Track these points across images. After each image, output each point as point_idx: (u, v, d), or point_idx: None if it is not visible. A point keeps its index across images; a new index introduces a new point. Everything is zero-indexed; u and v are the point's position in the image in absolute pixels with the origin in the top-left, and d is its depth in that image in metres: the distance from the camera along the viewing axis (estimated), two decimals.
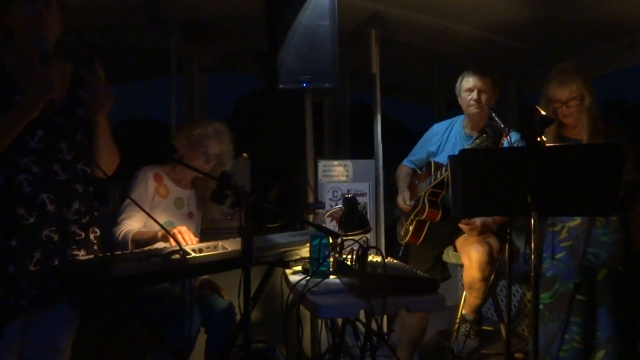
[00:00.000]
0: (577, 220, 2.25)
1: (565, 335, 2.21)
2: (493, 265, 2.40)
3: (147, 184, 2.18)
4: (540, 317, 2.29)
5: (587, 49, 3.74)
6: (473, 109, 2.61)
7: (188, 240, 1.93)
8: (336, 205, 3.24)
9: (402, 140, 3.09)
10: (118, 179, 2.07)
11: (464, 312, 2.58)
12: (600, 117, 2.30)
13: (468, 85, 2.63)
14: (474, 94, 2.59)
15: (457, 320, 2.61)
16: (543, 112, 1.81)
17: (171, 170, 2.30)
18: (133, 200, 2.02)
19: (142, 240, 2.07)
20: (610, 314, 2.14)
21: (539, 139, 1.74)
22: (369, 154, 3.49)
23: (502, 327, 2.73)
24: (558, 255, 2.28)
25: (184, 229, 1.98)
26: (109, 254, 1.73)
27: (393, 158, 3.13)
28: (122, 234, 2.09)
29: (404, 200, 2.79)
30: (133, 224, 2.12)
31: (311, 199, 2.83)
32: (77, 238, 1.68)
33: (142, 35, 4.00)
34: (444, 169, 2.53)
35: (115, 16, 3.62)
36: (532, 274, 1.83)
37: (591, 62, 3.81)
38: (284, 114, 3.69)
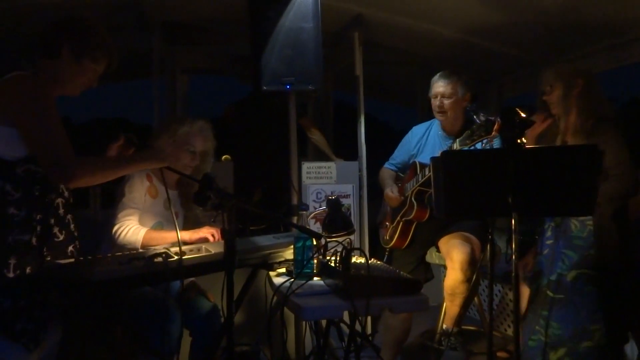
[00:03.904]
0: (559, 221, 2.30)
1: (535, 327, 2.28)
2: (475, 266, 2.42)
3: (142, 183, 2.18)
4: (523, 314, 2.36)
5: (566, 52, 3.82)
6: (438, 116, 2.69)
7: (218, 238, 2.05)
8: (320, 207, 3.24)
9: (387, 140, 3.10)
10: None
11: (445, 326, 2.55)
12: (595, 115, 2.31)
13: (432, 91, 2.69)
14: (437, 101, 2.65)
15: (438, 336, 2.60)
16: (523, 114, 1.84)
17: (158, 171, 2.29)
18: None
19: (158, 240, 2.07)
20: (575, 314, 2.18)
21: (518, 140, 1.78)
22: (354, 154, 3.50)
23: (484, 326, 2.77)
24: (544, 252, 2.35)
25: (209, 230, 2.10)
26: (90, 257, 1.71)
27: (377, 158, 3.14)
28: (130, 230, 2.05)
29: (392, 191, 2.76)
30: (136, 221, 2.11)
31: (295, 201, 2.83)
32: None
33: (124, 36, 3.96)
34: (427, 169, 2.55)
35: (96, 16, 3.57)
36: (513, 274, 1.87)
37: (572, 65, 3.89)
38: (269, 116, 3.68)
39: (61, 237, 1.65)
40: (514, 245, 1.81)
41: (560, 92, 2.35)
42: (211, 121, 2.41)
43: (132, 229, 2.06)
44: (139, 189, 2.15)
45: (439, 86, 2.65)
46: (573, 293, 2.21)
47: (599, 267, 2.19)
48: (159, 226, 2.22)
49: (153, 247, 1.98)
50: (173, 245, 2.08)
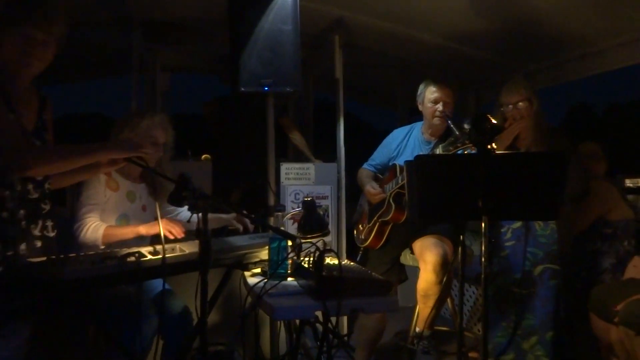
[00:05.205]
0: (519, 223, 2.41)
1: (502, 323, 2.42)
2: (447, 268, 2.47)
3: (99, 178, 2.17)
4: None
5: (542, 60, 3.91)
6: (438, 120, 2.70)
7: (176, 234, 1.99)
8: (298, 207, 3.25)
9: (369, 140, 3.12)
10: None
11: (418, 329, 2.59)
12: (548, 127, 2.51)
13: (433, 96, 2.70)
14: (440, 106, 2.67)
15: (410, 338, 2.64)
16: (494, 121, 1.89)
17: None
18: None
19: (117, 236, 2.07)
20: (543, 305, 2.36)
21: (489, 146, 1.82)
22: (335, 155, 3.52)
23: (456, 327, 2.82)
24: (502, 253, 2.46)
25: (166, 224, 2.02)
26: (62, 256, 1.70)
27: (358, 158, 3.15)
28: (89, 228, 2.05)
29: (373, 187, 2.78)
30: (95, 218, 2.10)
31: (272, 202, 2.84)
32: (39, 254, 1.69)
33: (104, 33, 3.93)
34: None
35: (76, 13, 3.54)
36: (483, 276, 1.92)
37: (545, 73, 3.99)
38: (248, 115, 3.69)
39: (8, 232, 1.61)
40: (483, 248, 1.86)
41: (531, 108, 2.57)
42: (191, 119, 2.41)
43: (91, 227, 2.06)
44: (96, 185, 2.15)
45: (440, 91, 2.69)
46: (539, 286, 2.38)
47: (561, 261, 2.39)
48: (123, 219, 2.22)
49: (115, 245, 2.00)
50: (141, 241, 2.08)
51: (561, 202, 1.92)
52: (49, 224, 1.75)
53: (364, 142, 3.32)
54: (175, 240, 2.02)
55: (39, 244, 1.69)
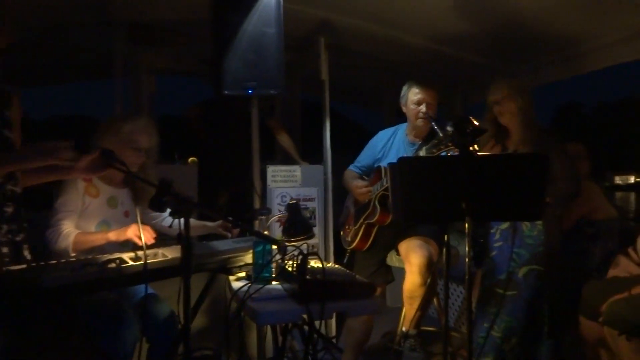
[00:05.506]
0: (506, 224, 2.42)
1: (484, 324, 2.41)
2: (432, 269, 2.48)
3: (77, 184, 2.14)
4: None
5: (527, 61, 3.95)
6: (421, 122, 2.70)
7: (145, 240, 1.89)
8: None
9: (358, 140, 3.11)
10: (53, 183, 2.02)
11: (404, 328, 2.60)
12: (537, 127, 2.48)
13: (416, 97, 2.70)
14: (423, 107, 2.68)
15: (397, 339, 2.65)
16: (476, 122, 1.90)
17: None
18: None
19: (87, 243, 2.03)
20: (526, 306, 2.35)
21: (471, 148, 1.83)
22: (322, 156, 3.51)
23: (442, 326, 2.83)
24: (490, 254, 2.46)
25: (134, 230, 1.97)
26: (42, 263, 1.68)
27: (347, 158, 3.14)
28: (60, 235, 2.02)
29: (358, 186, 2.77)
30: (68, 225, 2.07)
31: (257, 205, 2.83)
32: (7, 259, 1.65)
33: (88, 35, 3.90)
34: None
35: (60, 15, 3.51)
36: (467, 277, 1.93)
37: (530, 74, 4.03)
38: (234, 118, 3.67)
39: None
40: (467, 248, 1.87)
41: (514, 105, 2.53)
42: (176, 121, 2.40)
43: (62, 234, 2.02)
44: (72, 191, 2.12)
45: (424, 93, 2.69)
46: (524, 288, 2.36)
47: (547, 263, 2.37)
48: (103, 226, 2.19)
49: (95, 252, 1.97)
50: (123, 247, 2.05)
51: (547, 204, 1.92)
52: (14, 227, 1.70)
53: (354, 142, 3.30)
54: (158, 246, 2.00)
55: (5, 249, 1.65)
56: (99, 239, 2.06)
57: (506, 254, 2.43)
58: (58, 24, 3.67)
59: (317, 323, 1.68)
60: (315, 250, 3.32)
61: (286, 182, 3.34)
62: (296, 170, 3.37)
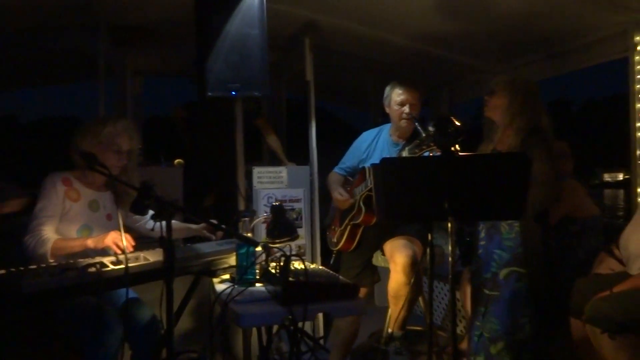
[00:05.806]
0: (489, 223, 2.42)
1: (476, 323, 2.41)
2: (416, 268, 2.49)
3: (57, 189, 2.11)
4: None
5: (512, 60, 3.97)
6: (405, 122, 2.71)
7: (124, 247, 1.85)
8: None
9: (349, 140, 3.10)
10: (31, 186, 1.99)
11: (390, 330, 2.61)
12: (526, 128, 2.44)
13: (400, 98, 2.72)
14: (406, 108, 2.69)
15: (383, 340, 2.65)
16: (457, 123, 1.91)
17: (81, 174, 2.24)
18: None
19: (66, 249, 2.00)
20: (509, 309, 2.32)
21: (452, 148, 1.84)
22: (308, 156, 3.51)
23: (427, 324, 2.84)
24: (477, 252, 2.47)
25: (113, 237, 1.93)
26: (22, 268, 1.66)
27: (339, 158, 3.14)
28: (37, 241, 1.99)
29: (340, 194, 2.79)
30: (48, 231, 2.04)
31: (242, 207, 2.82)
32: None
33: (72, 37, 3.86)
34: None
35: (44, 17, 3.48)
36: (450, 276, 1.95)
37: (515, 72, 4.05)
38: (220, 119, 3.66)
39: None
40: (450, 248, 1.89)
41: (505, 101, 2.47)
42: (164, 122, 2.38)
43: (40, 240, 1.99)
44: (52, 196, 2.10)
45: (407, 94, 2.69)
46: (505, 290, 2.34)
47: (527, 264, 2.34)
48: (85, 230, 2.16)
49: (65, 257, 1.94)
50: (104, 251, 2.03)
51: (524, 205, 1.90)
52: None
53: (344, 141, 3.28)
54: (140, 249, 1.98)
55: None
56: (77, 245, 2.02)
57: (490, 253, 2.44)
58: (42, 25, 3.64)
59: (306, 324, 1.69)
60: (302, 251, 3.32)
61: (272, 184, 3.33)
62: (282, 172, 3.36)
